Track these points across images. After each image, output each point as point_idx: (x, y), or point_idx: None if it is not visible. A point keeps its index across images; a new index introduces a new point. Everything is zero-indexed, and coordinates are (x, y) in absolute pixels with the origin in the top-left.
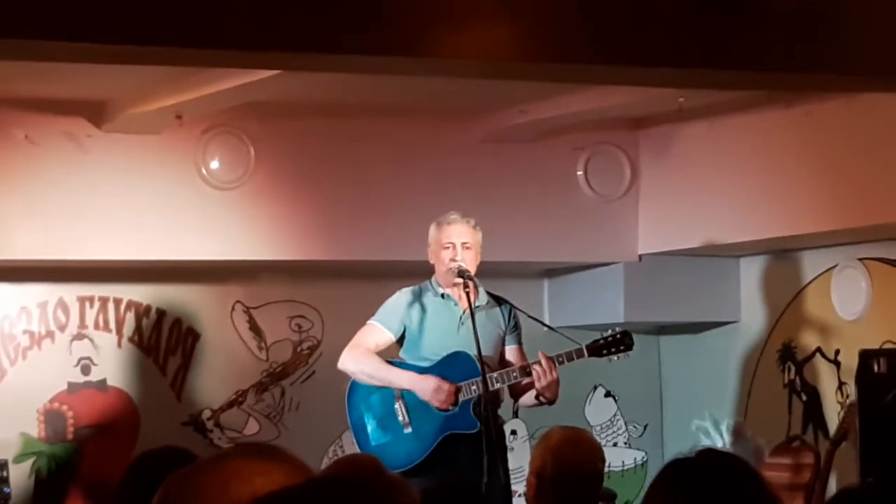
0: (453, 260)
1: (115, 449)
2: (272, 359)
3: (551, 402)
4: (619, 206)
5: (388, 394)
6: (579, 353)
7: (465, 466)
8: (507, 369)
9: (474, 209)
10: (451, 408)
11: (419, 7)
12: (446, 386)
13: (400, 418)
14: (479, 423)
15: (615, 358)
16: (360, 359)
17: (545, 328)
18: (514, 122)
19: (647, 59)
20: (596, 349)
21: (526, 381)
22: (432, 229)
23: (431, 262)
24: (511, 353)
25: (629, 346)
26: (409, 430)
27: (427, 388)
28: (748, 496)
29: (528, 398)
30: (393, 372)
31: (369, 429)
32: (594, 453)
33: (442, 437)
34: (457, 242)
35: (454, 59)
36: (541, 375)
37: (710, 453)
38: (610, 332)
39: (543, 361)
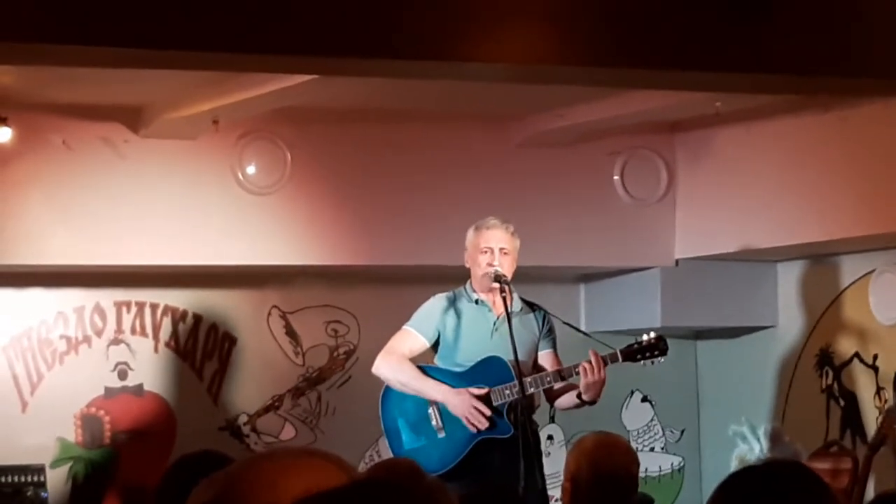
0: (490, 265)
1: (152, 454)
2: (308, 364)
3: (593, 402)
4: (655, 210)
5: (422, 398)
6: (613, 358)
7: (499, 471)
8: (542, 374)
9: (510, 214)
10: (480, 429)
11: (455, 11)
12: (477, 403)
13: (433, 423)
14: (513, 428)
15: (650, 363)
16: (394, 366)
17: (580, 334)
18: (550, 126)
19: (684, 63)
20: (630, 354)
21: (559, 385)
22: (470, 233)
23: (468, 265)
24: (545, 357)
25: (664, 352)
26: (442, 434)
27: (459, 404)
28: None
29: (569, 399)
30: (427, 383)
31: (403, 433)
32: (629, 458)
33: (475, 441)
34: (495, 247)
35: (491, 63)
36: (588, 372)
37: (775, 463)
38: (645, 336)
39: (593, 359)
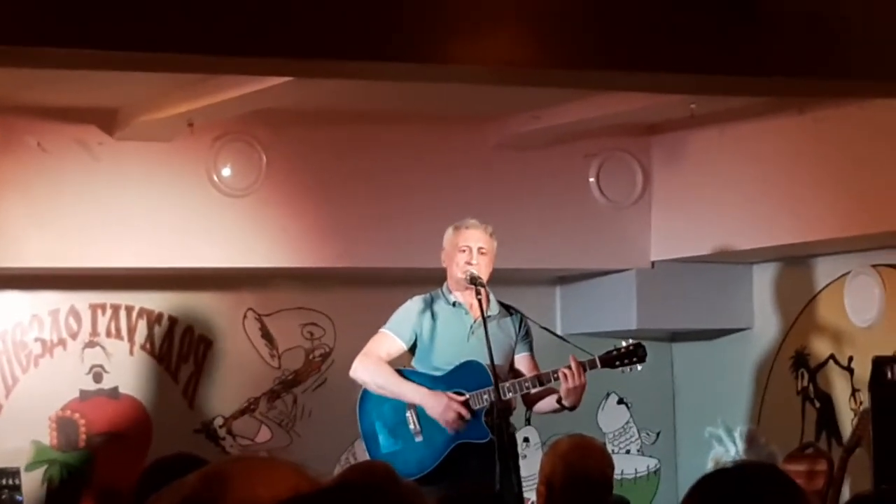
0: (469, 263)
1: (128, 457)
2: (284, 366)
3: (572, 408)
4: (631, 212)
5: (400, 402)
6: (592, 364)
7: (477, 475)
8: (521, 379)
9: (486, 216)
10: (458, 430)
11: (432, 14)
12: (455, 406)
13: (411, 427)
14: (490, 433)
15: (628, 370)
16: (371, 369)
17: (556, 337)
18: (526, 128)
19: (660, 65)
20: (609, 360)
21: (536, 390)
22: (449, 233)
23: (445, 265)
24: (521, 361)
25: (642, 359)
26: (420, 438)
27: (436, 406)
28: None
29: (548, 404)
30: (405, 386)
31: (380, 437)
32: (603, 461)
33: (453, 446)
34: (473, 247)
35: (466, 65)
36: (568, 378)
37: (748, 465)
38: (623, 343)
39: (573, 365)
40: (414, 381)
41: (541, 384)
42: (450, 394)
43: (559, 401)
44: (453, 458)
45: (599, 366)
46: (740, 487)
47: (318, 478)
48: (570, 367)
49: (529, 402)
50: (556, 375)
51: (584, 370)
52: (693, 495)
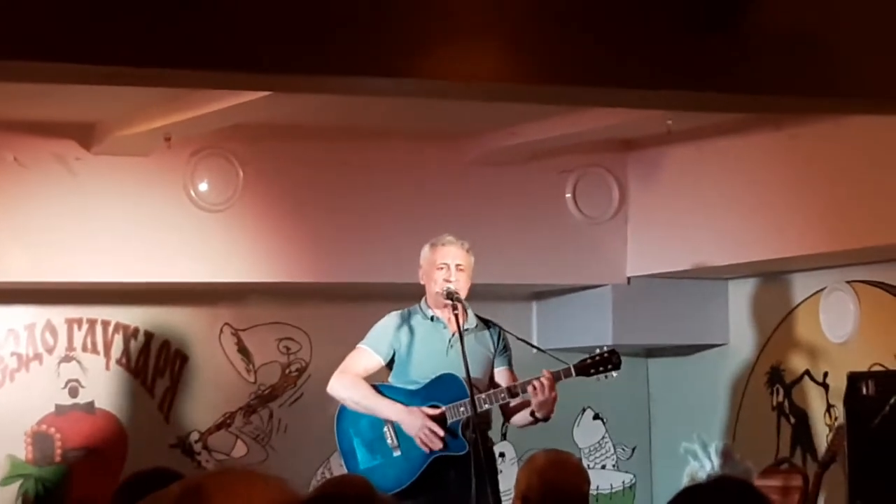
0: (447, 280)
1: (103, 471)
2: (260, 381)
3: (545, 419)
4: (607, 228)
5: (378, 417)
6: (567, 373)
7: (455, 489)
8: (496, 390)
9: (463, 232)
10: (434, 449)
11: (408, 29)
12: (430, 424)
13: (389, 441)
14: (467, 446)
15: (603, 377)
16: (348, 385)
17: (534, 350)
18: (502, 144)
19: (636, 82)
20: (583, 368)
21: (514, 402)
22: (426, 250)
23: (422, 282)
24: (500, 374)
25: (617, 366)
26: (398, 453)
27: (412, 424)
28: None
29: (522, 417)
30: (381, 402)
31: (358, 452)
32: (580, 476)
33: (431, 459)
34: (451, 264)
35: (442, 80)
36: (539, 391)
37: (724, 481)
38: (598, 351)
39: (545, 378)
40: (390, 397)
41: (513, 396)
42: (425, 409)
43: (532, 413)
44: (431, 471)
45: (574, 374)
46: (714, 502)
47: (295, 491)
48: (539, 380)
49: (507, 414)
50: (528, 387)
51: (558, 380)
52: None
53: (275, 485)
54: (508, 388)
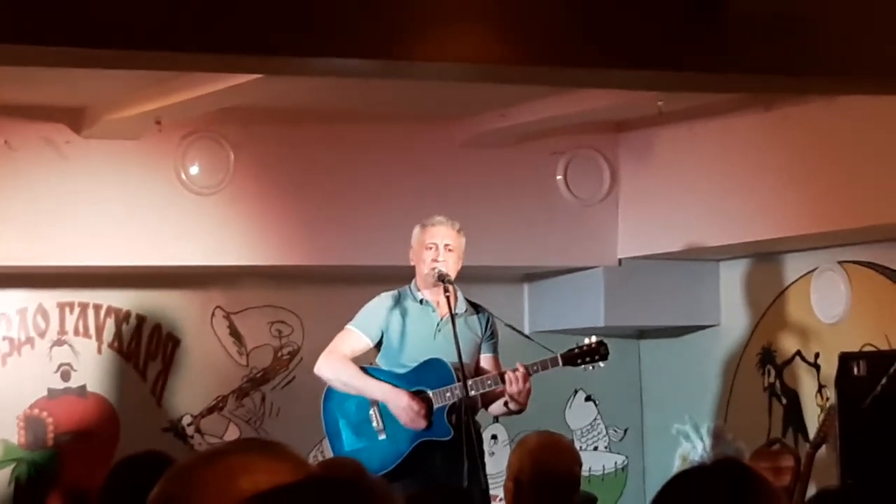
0: (435, 260)
1: (96, 455)
2: (252, 364)
3: (519, 411)
4: (598, 210)
5: (364, 400)
6: (554, 362)
7: (441, 472)
8: (482, 377)
9: (454, 214)
10: (419, 428)
11: (398, 11)
12: (416, 405)
13: (374, 424)
14: (452, 431)
15: (590, 367)
16: (335, 366)
17: (522, 336)
18: (493, 126)
19: (627, 63)
20: (571, 358)
21: (499, 389)
22: (416, 230)
23: (413, 263)
24: (486, 361)
25: (604, 357)
26: (383, 436)
27: (398, 404)
28: None
29: (498, 406)
30: (368, 382)
31: (344, 434)
32: (571, 457)
33: (416, 443)
34: (440, 243)
35: (433, 62)
36: (512, 382)
37: (725, 463)
38: (586, 340)
39: (520, 370)
40: (378, 378)
41: (501, 383)
42: (410, 392)
43: (506, 403)
44: (417, 455)
45: (561, 364)
46: (714, 485)
47: (308, 467)
48: (515, 370)
49: (486, 402)
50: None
51: (543, 370)
52: (666, 493)
53: (293, 459)
54: (495, 375)
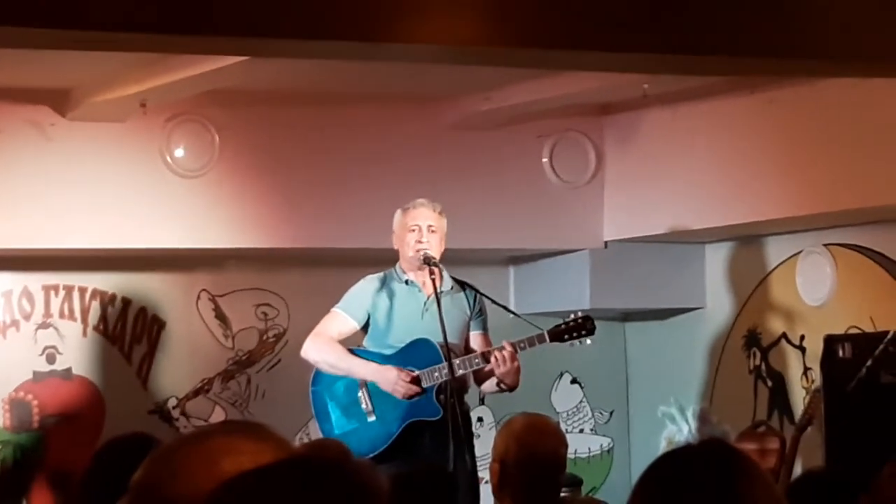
0: (419, 241)
1: (81, 438)
2: (238, 347)
3: (511, 389)
4: (584, 192)
5: (352, 382)
6: (541, 339)
7: (430, 453)
8: (470, 356)
9: (440, 196)
10: (415, 397)
11: None
12: (404, 375)
13: (363, 406)
14: (442, 410)
15: (577, 343)
16: (322, 348)
17: (510, 314)
18: (479, 109)
19: (612, 45)
20: (557, 334)
21: (488, 367)
22: (398, 214)
23: (396, 247)
24: (475, 339)
25: (591, 331)
26: (372, 418)
27: (388, 379)
28: (749, 490)
29: (490, 385)
30: (355, 362)
31: (333, 417)
32: (557, 439)
33: (405, 424)
34: (423, 225)
35: (418, 44)
36: (500, 362)
37: (710, 444)
38: (572, 316)
39: (507, 349)
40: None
41: (489, 361)
42: (399, 367)
43: (498, 383)
44: (406, 436)
45: (549, 340)
46: (701, 467)
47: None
48: (501, 349)
49: (479, 380)
50: (490, 357)
51: (530, 347)
52: (650, 474)
53: (276, 439)
54: (483, 353)
